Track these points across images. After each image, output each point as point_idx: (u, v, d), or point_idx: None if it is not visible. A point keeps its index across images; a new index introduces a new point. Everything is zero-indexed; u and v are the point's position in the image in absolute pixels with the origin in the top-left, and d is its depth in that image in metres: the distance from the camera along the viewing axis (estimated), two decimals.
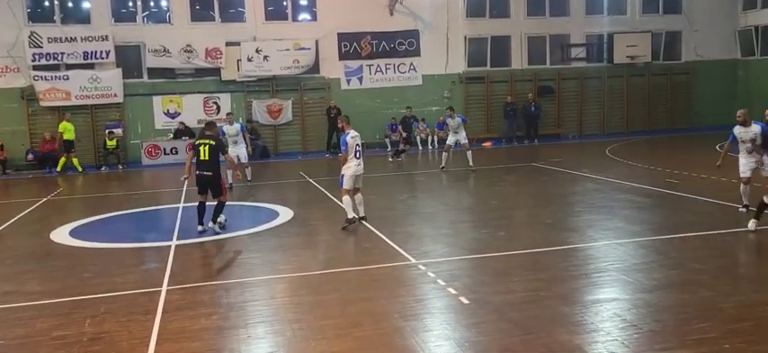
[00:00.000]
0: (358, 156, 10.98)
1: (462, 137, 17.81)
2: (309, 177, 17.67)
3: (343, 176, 11.01)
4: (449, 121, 18.10)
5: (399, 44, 25.35)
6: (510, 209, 12.87)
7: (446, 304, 7.06)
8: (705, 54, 27.76)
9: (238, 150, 15.91)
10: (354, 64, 25.11)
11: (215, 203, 10.92)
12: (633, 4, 27.25)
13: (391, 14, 25.10)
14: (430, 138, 24.85)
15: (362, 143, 11.33)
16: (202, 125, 12.43)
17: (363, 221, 11.07)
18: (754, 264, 8.14)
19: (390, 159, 20.89)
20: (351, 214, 10.82)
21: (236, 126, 16.44)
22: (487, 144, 24.73)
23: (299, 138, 24.66)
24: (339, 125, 11.67)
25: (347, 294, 7.57)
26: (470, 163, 17.47)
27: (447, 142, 18.21)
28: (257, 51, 24.02)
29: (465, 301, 7.02)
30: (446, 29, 25.59)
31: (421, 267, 8.47)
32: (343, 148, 10.98)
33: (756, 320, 6.16)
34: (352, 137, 10.99)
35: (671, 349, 5.61)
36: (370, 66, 25.26)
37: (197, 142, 11.01)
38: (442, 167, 17.88)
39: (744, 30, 27.55)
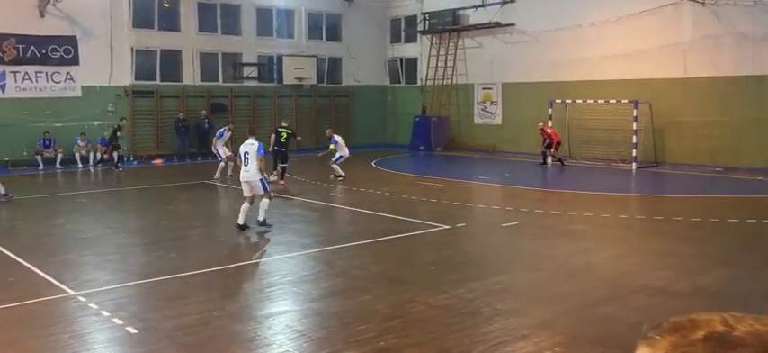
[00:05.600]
0: (246, 163, 11.34)
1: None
2: None
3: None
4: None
5: (53, 51, 22.61)
6: (183, 228, 12.45)
7: (110, 337, 6.49)
8: (362, 79, 30.98)
9: None
10: None
11: None
12: (300, 29, 29.01)
13: (42, 16, 22.27)
14: (92, 154, 22.70)
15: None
16: None
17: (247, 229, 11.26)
18: (402, 267, 9.29)
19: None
20: (241, 220, 11.23)
21: None
22: (158, 162, 23.63)
23: None
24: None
25: None
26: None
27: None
28: None
29: (133, 330, 6.53)
30: (110, 38, 23.70)
31: (81, 298, 7.63)
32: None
33: (405, 316, 7.01)
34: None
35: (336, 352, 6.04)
36: (15, 73, 21.95)
37: None
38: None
39: (391, 60, 31.65)
